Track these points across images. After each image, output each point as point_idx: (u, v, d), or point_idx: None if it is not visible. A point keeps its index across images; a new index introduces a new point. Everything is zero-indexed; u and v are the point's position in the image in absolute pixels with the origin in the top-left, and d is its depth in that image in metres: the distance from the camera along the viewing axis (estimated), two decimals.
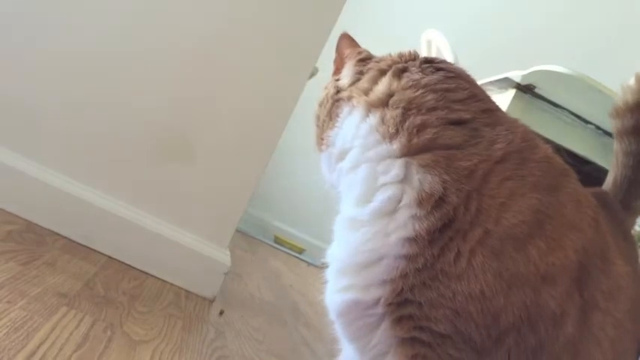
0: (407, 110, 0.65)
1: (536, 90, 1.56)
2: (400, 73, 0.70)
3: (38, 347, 0.74)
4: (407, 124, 0.63)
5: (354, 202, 0.65)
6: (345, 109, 0.72)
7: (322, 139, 0.76)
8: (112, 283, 1.14)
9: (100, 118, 1.34)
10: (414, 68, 0.70)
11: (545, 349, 0.58)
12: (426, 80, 0.67)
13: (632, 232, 0.88)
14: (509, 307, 0.56)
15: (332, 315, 0.67)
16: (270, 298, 1.78)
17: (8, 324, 0.76)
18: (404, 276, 0.59)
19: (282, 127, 1.44)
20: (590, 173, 1.47)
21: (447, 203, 0.59)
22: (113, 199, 1.34)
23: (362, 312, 0.62)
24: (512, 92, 1.58)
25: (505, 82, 1.61)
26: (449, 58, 1.98)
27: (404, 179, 0.62)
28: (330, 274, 0.67)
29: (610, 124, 0.93)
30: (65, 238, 1.28)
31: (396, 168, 0.62)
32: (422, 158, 0.61)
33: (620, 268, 0.65)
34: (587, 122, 1.57)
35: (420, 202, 0.60)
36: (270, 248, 3.01)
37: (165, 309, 1.16)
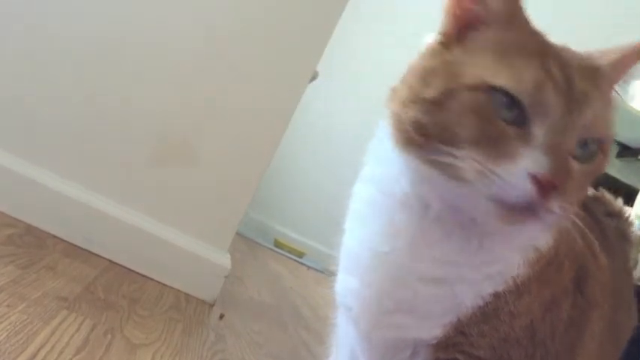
0: None
1: None
2: None
3: (38, 351, 0.74)
4: None
5: None
6: None
7: None
8: (112, 287, 1.14)
9: (100, 121, 1.34)
10: None
11: (560, 354, 0.62)
12: None
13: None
14: (547, 327, 0.60)
15: (364, 345, 0.65)
16: (271, 301, 1.78)
17: (8, 328, 0.75)
18: (468, 315, 0.59)
19: (282, 131, 1.44)
20: None
21: None
22: (113, 203, 1.34)
23: (409, 344, 0.62)
24: None
25: None
26: None
27: None
28: (371, 309, 0.62)
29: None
30: (65, 241, 1.27)
31: None
32: None
33: (602, 261, 0.69)
34: None
35: None
36: (271, 252, 3.01)
37: (165, 312, 1.16)
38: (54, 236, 1.27)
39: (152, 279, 1.34)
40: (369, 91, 3.46)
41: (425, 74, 0.56)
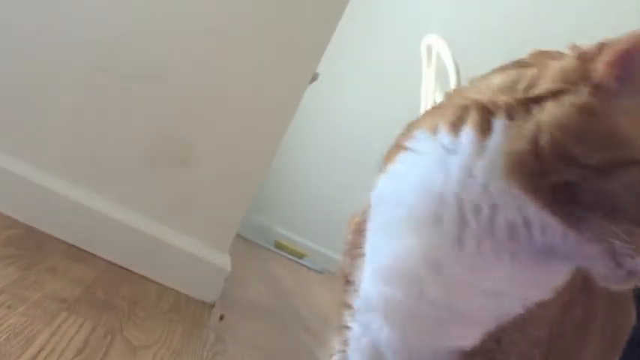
0: None
1: None
2: None
3: (38, 352, 0.74)
4: None
5: None
6: None
7: None
8: (112, 288, 1.14)
9: (100, 122, 1.34)
10: None
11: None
12: None
13: None
14: (563, 327, 0.64)
15: (401, 353, 0.64)
16: (271, 303, 1.78)
17: (8, 329, 0.75)
18: (506, 323, 0.60)
19: (282, 132, 1.44)
20: None
21: None
22: (113, 204, 1.34)
23: (446, 352, 0.62)
24: None
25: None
26: (449, 63, 1.99)
27: None
28: (423, 319, 0.61)
29: None
30: (65, 243, 1.27)
31: None
32: None
33: None
34: None
35: None
36: (271, 253, 3.01)
37: (165, 314, 1.16)
38: (54, 238, 1.27)
39: (152, 280, 1.34)
40: (370, 93, 3.47)
41: (581, 135, 0.50)
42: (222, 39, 1.39)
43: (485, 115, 0.55)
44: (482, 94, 0.56)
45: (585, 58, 0.53)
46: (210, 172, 1.40)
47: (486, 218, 0.55)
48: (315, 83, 1.92)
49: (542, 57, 0.58)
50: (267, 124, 1.43)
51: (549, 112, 0.51)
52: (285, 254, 3.11)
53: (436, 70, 2.19)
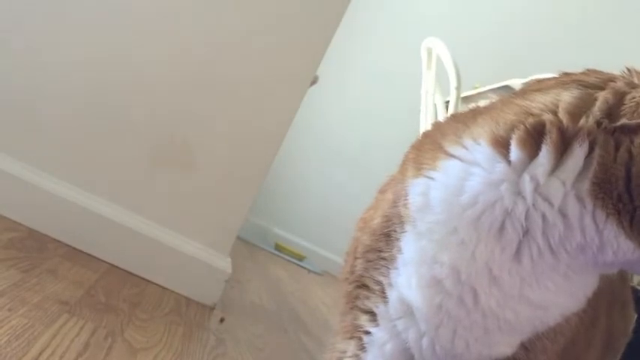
0: None
1: None
2: None
3: (39, 355, 0.74)
4: None
5: None
6: None
7: None
8: (112, 291, 1.15)
9: (101, 125, 1.34)
10: None
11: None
12: None
13: None
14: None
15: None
16: (271, 305, 1.78)
17: (9, 332, 0.76)
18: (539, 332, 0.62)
19: (283, 135, 1.45)
20: None
21: None
22: (114, 207, 1.34)
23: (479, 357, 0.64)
24: None
25: (505, 90, 1.62)
26: (449, 66, 1.99)
27: None
28: (470, 329, 0.62)
29: None
30: (66, 245, 1.28)
31: None
32: None
33: None
34: None
35: None
36: (271, 255, 3.01)
37: (165, 316, 1.16)
38: (55, 240, 1.27)
39: (153, 283, 1.34)
40: (370, 96, 3.47)
41: None
42: (223, 42, 1.39)
43: (565, 136, 0.56)
44: (550, 110, 0.57)
45: None
46: (210, 175, 1.40)
47: (559, 236, 0.56)
48: (314, 86, 1.92)
49: (605, 79, 0.59)
50: (267, 127, 1.43)
51: None
52: (285, 256, 3.11)
53: (436, 73, 2.19)
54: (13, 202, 1.26)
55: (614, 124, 0.55)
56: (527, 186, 0.56)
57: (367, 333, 0.67)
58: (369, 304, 0.67)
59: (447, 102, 2.01)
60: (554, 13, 3.32)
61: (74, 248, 1.28)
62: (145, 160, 1.37)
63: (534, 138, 0.56)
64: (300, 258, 3.19)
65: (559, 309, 0.60)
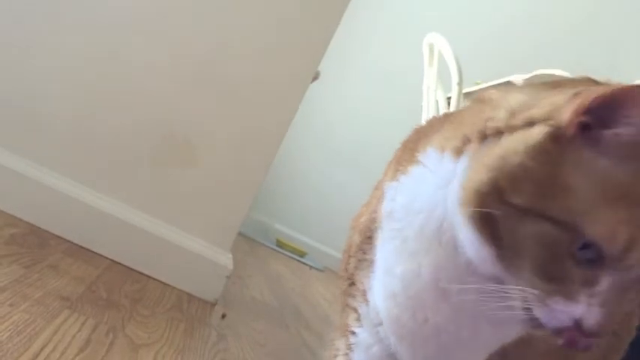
0: None
1: None
2: None
3: (41, 350, 0.74)
4: None
5: None
6: None
7: None
8: (114, 287, 1.15)
9: (103, 121, 1.34)
10: None
11: None
12: None
13: None
14: None
15: None
16: (272, 301, 1.78)
17: (11, 327, 0.76)
18: (512, 343, 0.61)
19: (284, 131, 1.45)
20: None
21: None
22: (116, 203, 1.34)
23: None
24: None
25: (507, 86, 1.62)
26: (451, 61, 1.99)
27: None
28: (427, 343, 0.61)
29: None
30: (68, 241, 1.28)
31: None
32: None
33: None
34: None
35: None
36: (272, 251, 3.01)
37: (167, 312, 1.16)
38: (57, 236, 1.27)
39: (154, 278, 1.34)
40: (371, 93, 3.47)
41: (519, 172, 0.48)
42: (225, 38, 1.39)
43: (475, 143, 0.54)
44: (494, 115, 0.54)
45: (569, 99, 0.49)
46: (212, 171, 1.40)
47: (450, 247, 0.54)
48: (316, 82, 1.92)
49: (569, 83, 0.55)
50: (269, 122, 1.43)
51: (502, 144, 0.50)
52: (287, 252, 3.12)
53: (438, 69, 2.19)
54: (15, 198, 1.26)
55: (509, 124, 0.52)
56: (451, 194, 0.54)
57: (353, 333, 0.67)
58: (355, 304, 0.67)
59: (449, 98, 2.01)
60: (556, 11, 3.31)
61: (76, 244, 1.29)
62: (147, 156, 1.37)
63: (465, 145, 0.55)
64: (302, 254, 3.19)
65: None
